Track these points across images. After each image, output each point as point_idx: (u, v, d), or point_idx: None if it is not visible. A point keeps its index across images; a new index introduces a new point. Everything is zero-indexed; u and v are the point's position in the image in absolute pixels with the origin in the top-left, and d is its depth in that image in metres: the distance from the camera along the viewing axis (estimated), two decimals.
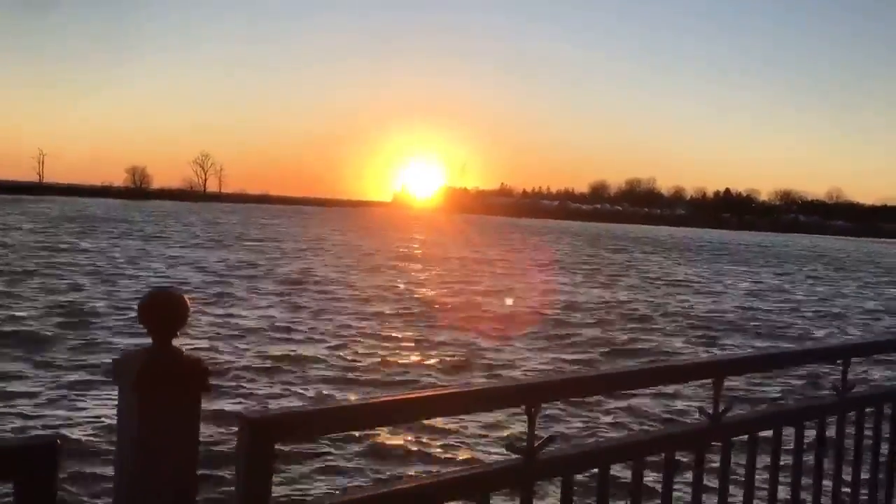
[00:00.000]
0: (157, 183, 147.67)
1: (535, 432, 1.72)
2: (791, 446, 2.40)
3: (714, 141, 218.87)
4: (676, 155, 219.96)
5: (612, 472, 1.95)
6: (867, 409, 2.59)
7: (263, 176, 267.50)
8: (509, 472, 1.74)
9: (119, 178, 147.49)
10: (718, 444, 2.19)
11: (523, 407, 1.72)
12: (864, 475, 2.64)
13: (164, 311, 1.27)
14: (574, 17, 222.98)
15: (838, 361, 2.48)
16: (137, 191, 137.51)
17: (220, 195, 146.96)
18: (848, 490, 2.60)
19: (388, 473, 7.11)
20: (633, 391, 8.92)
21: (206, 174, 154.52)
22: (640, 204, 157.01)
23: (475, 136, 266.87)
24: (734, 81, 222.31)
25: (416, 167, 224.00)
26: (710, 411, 2.12)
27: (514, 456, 1.73)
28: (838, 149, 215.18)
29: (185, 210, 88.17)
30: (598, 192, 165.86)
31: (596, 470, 1.90)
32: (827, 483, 2.52)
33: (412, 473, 7.02)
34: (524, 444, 1.73)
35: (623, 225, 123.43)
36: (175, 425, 1.25)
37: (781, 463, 2.35)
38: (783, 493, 2.39)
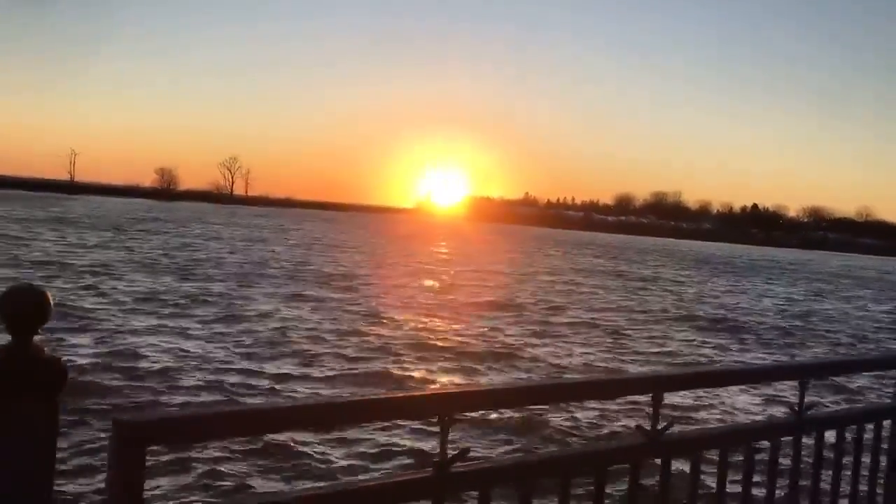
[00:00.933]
0: (184, 184, 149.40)
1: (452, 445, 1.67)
2: (741, 467, 2.32)
3: (742, 155, 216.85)
4: (703, 168, 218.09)
5: (541, 487, 1.89)
6: (827, 432, 2.50)
7: (287, 180, 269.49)
8: (419, 484, 1.69)
9: (147, 179, 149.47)
10: (658, 461, 2.12)
11: (437, 417, 1.67)
12: (824, 499, 2.55)
13: (21, 307, 1.23)
14: (603, 28, 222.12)
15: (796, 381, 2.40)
16: (165, 192, 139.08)
17: (245, 198, 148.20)
18: None
19: (282, 484, 6.77)
20: (581, 403, 8.66)
21: (233, 177, 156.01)
22: (666, 217, 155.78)
23: (500, 144, 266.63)
24: (763, 96, 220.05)
25: (439, 175, 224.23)
26: (649, 427, 2.06)
27: (425, 468, 1.69)
28: (869, 167, 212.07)
29: (212, 212, 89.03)
30: (624, 205, 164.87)
31: (516, 485, 1.84)
32: None
33: (318, 484, 6.78)
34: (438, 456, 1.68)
35: (650, 238, 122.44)
36: (25, 428, 1.21)
37: (730, 484, 2.27)
38: None
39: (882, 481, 2.75)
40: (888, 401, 2.91)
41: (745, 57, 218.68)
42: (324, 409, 1.59)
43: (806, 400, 2.41)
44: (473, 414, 8.32)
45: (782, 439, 2.40)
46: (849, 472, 2.61)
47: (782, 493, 2.46)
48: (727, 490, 2.27)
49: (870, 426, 2.65)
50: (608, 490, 2.01)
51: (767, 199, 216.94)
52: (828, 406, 8.58)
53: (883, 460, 2.70)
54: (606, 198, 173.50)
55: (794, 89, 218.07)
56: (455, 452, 1.71)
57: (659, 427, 2.07)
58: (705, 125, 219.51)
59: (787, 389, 10.57)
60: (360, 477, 6.75)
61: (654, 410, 2.06)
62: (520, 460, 1.90)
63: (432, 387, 10.45)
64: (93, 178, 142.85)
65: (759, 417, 8.70)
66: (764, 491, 2.38)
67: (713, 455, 2.25)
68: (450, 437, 1.69)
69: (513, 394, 1.87)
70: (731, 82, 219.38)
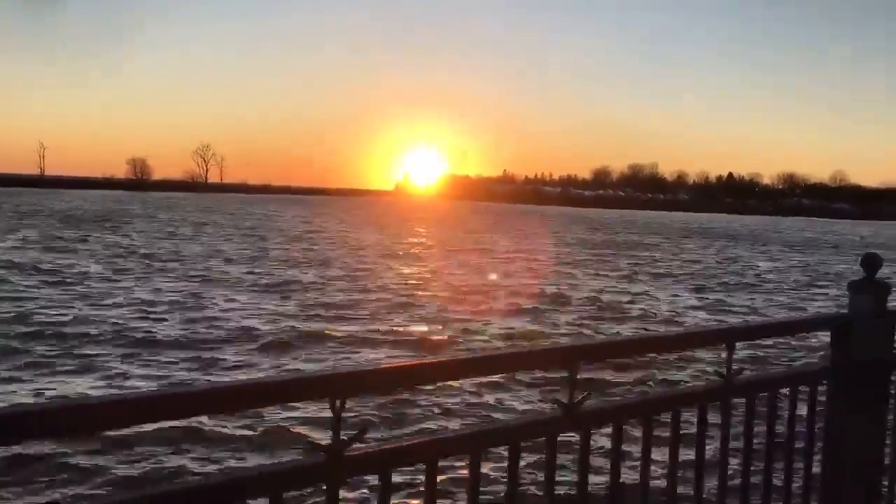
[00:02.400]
0: (157, 174, 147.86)
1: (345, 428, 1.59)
2: (667, 435, 2.26)
3: (716, 125, 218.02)
4: (679, 140, 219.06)
5: (452, 466, 1.83)
6: (760, 395, 2.46)
7: (265, 166, 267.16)
8: (311, 469, 1.61)
9: (120, 170, 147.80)
10: (576, 435, 2.05)
11: (328, 400, 1.59)
12: (757, 463, 2.51)
13: None
14: (576, 4, 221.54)
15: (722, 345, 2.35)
16: (138, 182, 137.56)
17: (221, 186, 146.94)
18: (737, 479, 2.47)
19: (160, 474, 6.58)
20: (488, 378, 8.56)
21: (207, 165, 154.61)
22: (643, 189, 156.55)
23: (477, 123, 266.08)
24: (736, 65, 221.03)
25: (417, 155, 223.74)
26: (566, 400, 1.99)
27: (319, 453, 1.61)
28: (842, 132, 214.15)
29: (189, 201, 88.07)
30: (601, 178, 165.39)
31: (423, 466, 1.77)
32: (714, 471, 2.40)
33: (205, 471, 6.52)
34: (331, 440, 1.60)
35: (628, 210, 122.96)
36: None
37: (655, 453, 2.22)
38: (658, 483, 2.26)
39: (820, 445, 2.72)
40: (818, 361, 2.88)
41: (718, 27, 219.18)
42: (201, 397, 1.50)
43: (734, 364, 2.36)
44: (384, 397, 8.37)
45: (712, 404, 2.35)
46: (782, 439, 2.56)
47: (714, 460, 2.41)
48: (653, 458, 2.21)
49: (804, 388, 2.61)
50: (525, 466, 1.94)
51: (742, 168, 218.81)
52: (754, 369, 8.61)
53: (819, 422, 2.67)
54: (584, 172, 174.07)
55: (766, 57, 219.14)
56: (352, 435, 1.63)
57: (576, 399, 2.00)
58: (679, 96, 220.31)
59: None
60: (246, 465, 6.63)
61: (570, 381, 1.99)
62: (425, 440, 1.82)
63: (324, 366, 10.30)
64: (63, 172, 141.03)
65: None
66: (692, 458, 2.32)
67: (637, 425, 2.19)
68: (348, 420, 1.61)
69: (415, 371, 1.79)
70: (704, 52, 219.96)
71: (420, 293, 18.31)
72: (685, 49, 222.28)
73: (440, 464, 1.80)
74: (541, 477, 2.04)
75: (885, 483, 2.92)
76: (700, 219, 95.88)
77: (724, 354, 2.34)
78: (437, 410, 8.56)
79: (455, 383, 8.83)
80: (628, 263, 29.27)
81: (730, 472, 2.45)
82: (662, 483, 2.29)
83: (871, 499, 2.75)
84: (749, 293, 21.17)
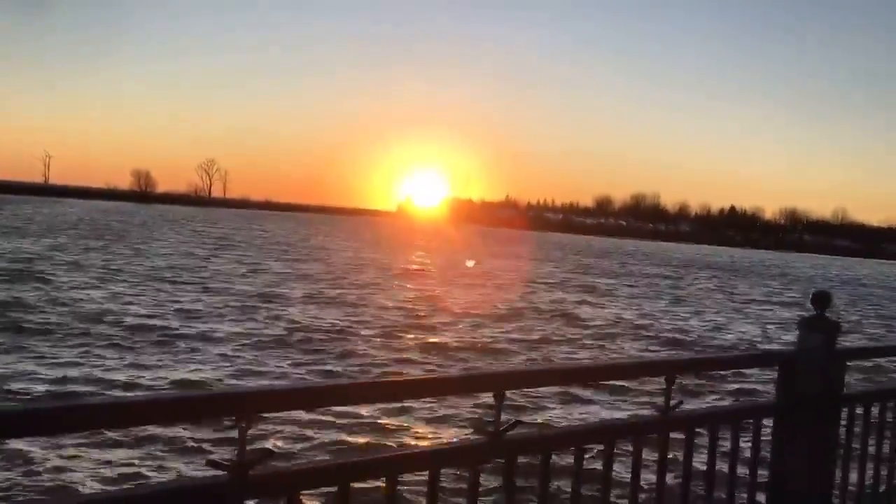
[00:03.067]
0: (161, 187, 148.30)
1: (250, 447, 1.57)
2: (599, 467, 2.24)
3: (719, 157, 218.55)
4: (682, 171, 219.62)
5: (367, 491, 1.80)
6: (697, 430, 2.43)
7: (267, 182, 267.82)
8: (212, 489, 1.59)
9: (124, 182, 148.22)
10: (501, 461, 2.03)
11: (234, 419, 1.58)
12: (698, 499, 2.48)
13: None
14: (581, 31, 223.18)
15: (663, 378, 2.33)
16: (142, 194, 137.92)
17: (224, 201, 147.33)
18: None
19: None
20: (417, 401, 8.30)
21: (210, 180, 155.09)
22: (645, 219, 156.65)
23: (481, 147, 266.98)
24: (741, 98, 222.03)
25: (420, 177, 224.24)
26: (493, 428, 1.97)
27: (219, 472, 1.59)
28: (844, 168, 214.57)
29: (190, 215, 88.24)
30: (603, 207, 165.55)
31: (335, 489, 1.74)
32: None
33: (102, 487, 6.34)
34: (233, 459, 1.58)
35: (629, 240, 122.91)
36: None
37: (587, 485, 2.19)
38: None
39: (765, 481, 2.69)
40: (767, 398, 2.85)
41: (724, 60, 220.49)
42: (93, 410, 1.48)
43: (674, 398, 2.34)
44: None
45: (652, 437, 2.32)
46: (724, 474, 2.53)
47: (647, 496, 2.38)
48: (583, 493, 2.18)
49: (748, 422, 2.58)
50: (451, 495, 1.91)
51: (745, 201, 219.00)
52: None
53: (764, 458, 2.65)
54: (586, 200, 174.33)
55: (771, 92, 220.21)
56: (258, 453, 1.61)
57: (501, 427, 1.98)
58: (684, 127, 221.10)
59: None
60: (140, 483, 6.46)
61: (496, 408, 1.97)
62: (338, 462, 1.79)
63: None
64: (67, 181, 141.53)
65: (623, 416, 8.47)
66: (626, 492, 2.30)
67: (569, 455, 2.17)
68: (256, 439, 1.59)
69: (328, 392, 1.77)
70: (710, 85, 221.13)
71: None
72: (689, 80, 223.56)
73: (355, 488, 1.78)
74: None
75: None
76: (703, 252, 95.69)
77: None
78: (355, 432, 8.22)
79: (381, 406, 8.51)
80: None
81: None
82: None
83: None
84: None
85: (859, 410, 2.96)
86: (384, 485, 1.83)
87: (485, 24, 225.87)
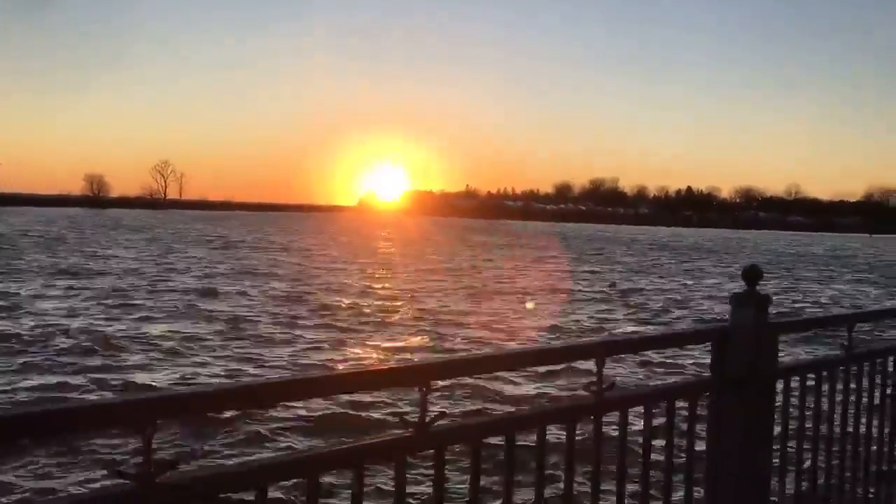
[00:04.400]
0: (115, 191, 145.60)
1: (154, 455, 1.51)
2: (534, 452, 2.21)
3: (675, 141, 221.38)
4: (639, 155, 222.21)
5: (290, 491, 1.76)
6: (632, 409, 2.43)
7: (227, 182, 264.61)
8: (117, 499, 1.53)
9: (76, 187, 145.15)
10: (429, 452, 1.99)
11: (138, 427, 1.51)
12: (633, 480, 2.47)
13: None
14: (536, 19, 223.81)
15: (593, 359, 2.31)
16: (96, 199, 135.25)
17: (181, 202, 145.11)
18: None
19: None
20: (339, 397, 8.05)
21: (166, 181, 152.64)
22: (604, 203, 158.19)
23: (440, 138, 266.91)
24: (694, 81, 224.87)
25: (381, 171, 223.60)
26: (418, 419, 1.93)
27: (124, 481, 1.52)
28: (797, 146, 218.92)
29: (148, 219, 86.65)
30: (563, 193, 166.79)
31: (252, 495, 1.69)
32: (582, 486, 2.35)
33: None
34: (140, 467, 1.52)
35: (588, 224, 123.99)
36: None
37: (521, 473, 2.17)
38: (522, 496, 2.21)
39: (702, 459, 2.70)
40: (698, 375, 2.86)
41: (676, 44, 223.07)
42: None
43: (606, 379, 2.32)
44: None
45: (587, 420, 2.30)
46: (660, 454, 2.53)
47: (582, 480, 2.37)
48: (516, 481, 2.15)
49: (682, 403, 2.58)
50: (377, 491, 1.87)
51: (701, 182, 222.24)
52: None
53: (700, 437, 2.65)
54: (546, 187, 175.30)
55: (723, 73, 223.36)
56: (165, 460, 1.55)
57: (428, 419, 1.94)
58: (640, 113, 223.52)
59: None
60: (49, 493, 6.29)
61: (422, 400, 1.93)
62: (254, 465, 1.74)
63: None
64: (17, 189, 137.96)
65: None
66: (562, 476, 2.28)
67: (501, 444, 2.14)
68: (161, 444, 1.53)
69: (241, 394, 1.71)
70: (664, 70, 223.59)
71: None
72: (643, 66, 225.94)
73: (273, 491, 1.73)
74: (391, 501, 1.97)
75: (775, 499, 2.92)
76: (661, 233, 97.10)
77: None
78: (276, 433, 8.01)
79: (300, 403, 8.29)
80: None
81: (603, 489, 2.40)
82: (530, 498, 2.24)
83: None
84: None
85: (794, 383, 2.98)
86: (305, 487, 1.78)
87: (440, 17, 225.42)
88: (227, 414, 7.93)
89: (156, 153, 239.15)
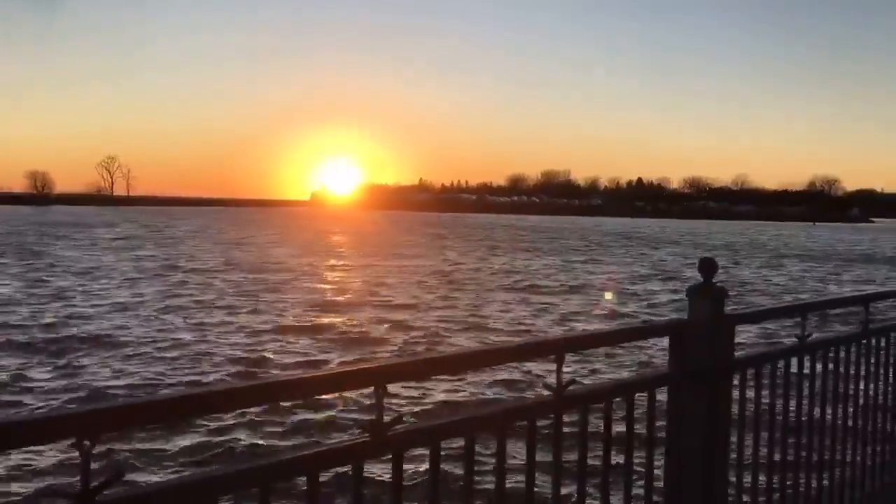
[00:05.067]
0: (60, 188, 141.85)
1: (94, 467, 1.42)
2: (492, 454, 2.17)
3: (626, 132, 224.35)
4: (591, 147, 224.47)
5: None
6: (594, 405, 2.40)
7: (175, 178, 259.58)
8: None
9: (18, 184, 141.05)
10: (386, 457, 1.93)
11: (77, 440, 1.42)
12: (594, 476, 2.45)
13: None
14: (485, 12, 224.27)
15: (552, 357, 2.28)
16: (40, 196, 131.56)
17: (128, 199, 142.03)
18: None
19: None
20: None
21: (112, 177, 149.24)
22: (557, 195, 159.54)
23: (393, 132, 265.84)
24: (643, 73, 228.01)
25: (334, 165, 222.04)
26: (374, 425, 1.86)
27: (63, 501, 1.43)
28: (743, 136, 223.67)
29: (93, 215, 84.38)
30: (516, 185, 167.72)
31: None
32: (544, 486, 2.32)
33: None
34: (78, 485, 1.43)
35: (541, 216, 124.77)
36: None
37: (480, 474, 2.12)
38: (483, 497, 2.17)
39: (663, 455, 2.69)
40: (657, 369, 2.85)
41: (625, 35, 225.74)
42: None
43: (566, 376, 2.29)
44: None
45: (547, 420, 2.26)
46: (621, 448, 2.51)
47: (544, 479, 2.33)
48: (477, 482, 2.10)
49: (641, 397, 2.56)
50: (329, 495, 1.79)
51: (652, 173, 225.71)
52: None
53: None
54: (500, 179, 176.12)
55: (670, 65, 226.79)
56: (103, 479, 1.45)
57: (385, 420, 1.87)
58: (592, 105, 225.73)
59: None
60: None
61: (377, 403, 1.87)
62: (199, 478, 1.65)
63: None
64: None
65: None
66: (522, 476, 2.24)
67: (460, 446, 2.08)
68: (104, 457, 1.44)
69: (183, 403, 1.62)
70: (614, 62, 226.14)
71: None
72: (593, 58, 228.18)
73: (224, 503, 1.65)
74: None
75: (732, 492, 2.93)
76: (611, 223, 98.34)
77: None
78: (224, 442, 7.69)
79: (251, 410, 7.99)
80: None
81: (565, 483, 2.37)
82: (491, 500, 2.19)
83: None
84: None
85: (751, 374, 2.99)
86: (258, 497, 1.70)
87: (393, 11, 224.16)
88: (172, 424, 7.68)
89: (102, 149, 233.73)
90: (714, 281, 2.75)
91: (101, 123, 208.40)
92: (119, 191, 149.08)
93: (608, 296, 20.73)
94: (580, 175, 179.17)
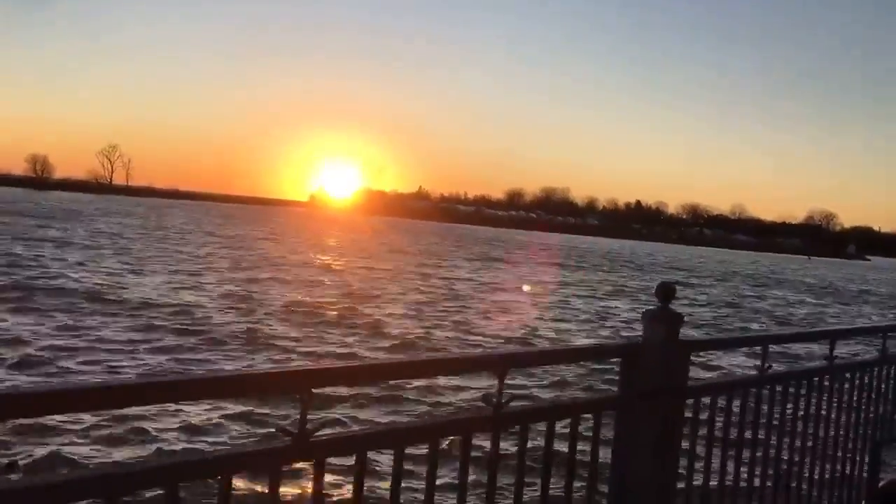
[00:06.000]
0: (59, 173, 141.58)
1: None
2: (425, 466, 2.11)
3: (626, 154, 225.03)
4: (590, 166, 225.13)
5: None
6: (535, 424, 2.34)
7: (174, 171, 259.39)
8: None
9: (18, 167, 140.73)
10: (306, 464, 1.87)
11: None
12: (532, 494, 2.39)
13: None
14: (497, 28, 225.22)
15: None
16: (38, 180, 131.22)
17: (126, 188, 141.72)
18: None
19: None
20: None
21: (112, 166, 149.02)
22: (555, 212, 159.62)
23: (394, 139, 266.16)
24: (647, 97, 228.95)
25: (334, 168, 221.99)
26: (296, 429, 1.80)
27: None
28: (743, 167, 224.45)
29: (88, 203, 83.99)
30: (514, 199, 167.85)
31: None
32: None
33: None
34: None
35: (539, 233, 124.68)
36: None
37: (409, 486, 2.06)
38: None
39: (607, 475, 2.63)
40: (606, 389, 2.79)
41: (631, 60, 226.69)
42: None
43: (507, 392, 2.23)
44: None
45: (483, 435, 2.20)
46: (562, 470, 2.45)
47: (477, 496, 2.27)
48: (404, 495, 2.04)
49: (587, 416, 2.51)
50: (243, 500, 1.74)
51: (649, 196, 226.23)
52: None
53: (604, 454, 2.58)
54: (498, 193, 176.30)
55: (674, 91, 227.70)
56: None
57: (308, 427, 1.81)
58: (593, 124, 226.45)
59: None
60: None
61: (302, 408, 1.81)
62: (108, 472, 1.59)
63: None
64: None
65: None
66: (454, 494, 2.18)
67: (388, 456, 2.03)
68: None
69: (107, 394, 1.56)
70: (618, 83, 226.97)
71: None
72: (598, 80, 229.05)
73: (127, 501, 1.59)
74: None
75: None
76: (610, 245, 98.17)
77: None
78: (132, 440, 7.48)
79: (166, 406, 7.82)
80: None
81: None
82: None
83: None
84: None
85: (705, 402, 2.94)
86: (164, 498, 1.64)
87: (401, 20, 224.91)
88: (65, 417, 7.38)
89: (104, 137, 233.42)
90: (671, 306, 2.70)
91: (104, 112, 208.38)
92: (119, 180, 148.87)
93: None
94: (579, 194, 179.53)
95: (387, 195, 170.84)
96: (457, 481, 2.18)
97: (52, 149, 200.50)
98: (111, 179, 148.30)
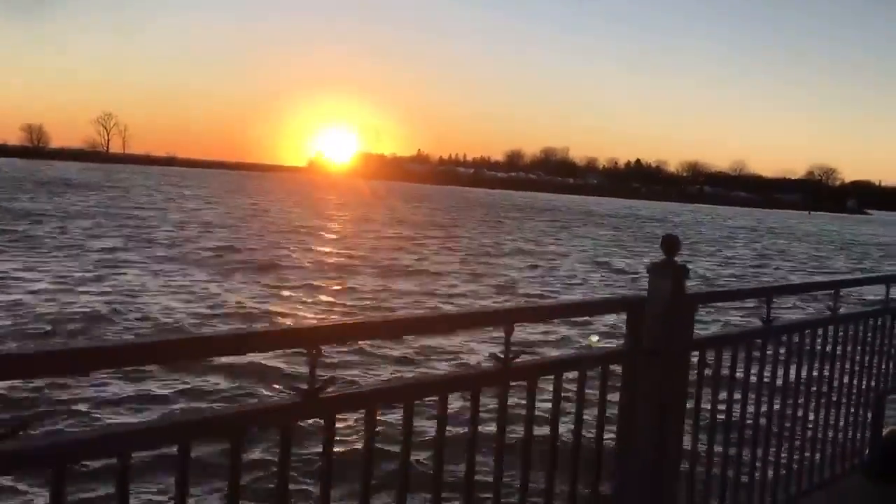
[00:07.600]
0: (55, 142, 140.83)
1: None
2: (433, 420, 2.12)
3: (626, 113, 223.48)
4: (590, 125, 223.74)
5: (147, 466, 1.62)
6: (545, 377, 2.35)
7: (172, 138, 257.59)
8: None
9: (13, 137, 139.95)
10: (317, 421, 1.88)
11: None
12: (541, 447, 2.41)
13: None
14: None
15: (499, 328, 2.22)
16: (34, 150, 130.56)
17: (123, 156, 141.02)
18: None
19: None
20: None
21: (108, 134, 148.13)
22: (555, 173, 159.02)
23: (392, 102, 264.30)
24: (644, 55, 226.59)
25: (332, 133, 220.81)
26: (306, 386, 1.81)
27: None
28: (743, 124, 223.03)
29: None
30: (514, 161, 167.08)
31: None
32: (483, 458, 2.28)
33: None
34: None
35: (539, 193, 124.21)
36: None
37: (419, 443, 2.07)
38: (424, 470, 2.13)
39: (613, 429, 2.64)
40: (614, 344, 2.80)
41: (629, 17, 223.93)
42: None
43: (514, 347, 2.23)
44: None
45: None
46: (570, 424, 2.46)
47: (486, 449, 2.28)
48: (414, 450, 2.05)
49: (592, 373, 2.51)
50: (255, 458, 1.74)
51: (650, 155, 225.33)
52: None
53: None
54: (497, 154, 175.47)
55: (673, 49, 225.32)
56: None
57: (317, 385, 1.82)
58: (593, 83, 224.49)
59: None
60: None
61: (311, 365, 1.81)
62: (120, 431, 1.59)
63: None
64: None
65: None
66: (462, 447, 2.19)
67: (397, 411, 2.03)
68: None
69: (105, 354, 1.55)
70: (617, 41, 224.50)
71: None
72: (596, 39, 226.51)
73: (141, 458, 1.60)
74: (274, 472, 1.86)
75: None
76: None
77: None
78: (142, 399, 7.56)
79: (176, 365, 7.92)
80: None
81: (508, 458, 2.33)
82: (429, 470, 2.15)
83: (657, 485, 2.70)
84: None
85: (712, 356, 2.94)
86: (176, 455, 1.65)
87: None
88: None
89: (99, 105, 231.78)
90: (676, 259, 2.69)
91: (99, 79, 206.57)
92: (115, 148, 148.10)
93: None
94: (578, 154, 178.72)
95: (385, 159, 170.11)
96: (467, 435, 2.19)
97: (46, 118, 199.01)
98: (108, 148, 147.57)
